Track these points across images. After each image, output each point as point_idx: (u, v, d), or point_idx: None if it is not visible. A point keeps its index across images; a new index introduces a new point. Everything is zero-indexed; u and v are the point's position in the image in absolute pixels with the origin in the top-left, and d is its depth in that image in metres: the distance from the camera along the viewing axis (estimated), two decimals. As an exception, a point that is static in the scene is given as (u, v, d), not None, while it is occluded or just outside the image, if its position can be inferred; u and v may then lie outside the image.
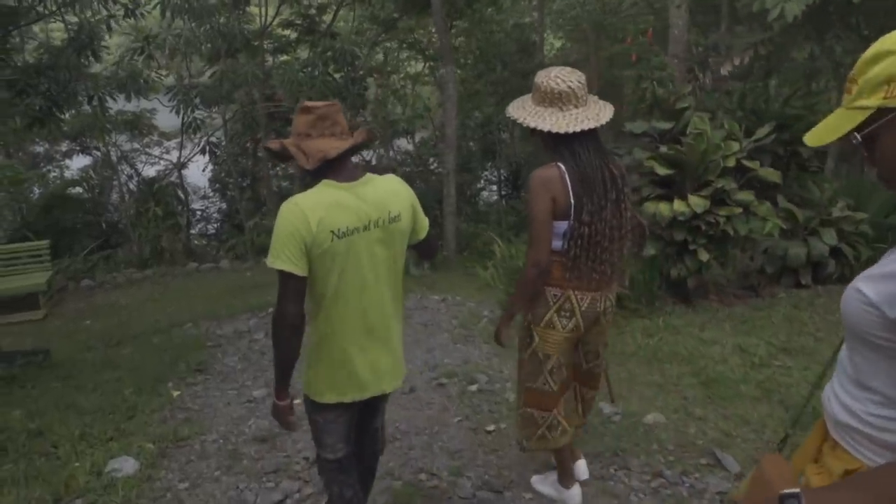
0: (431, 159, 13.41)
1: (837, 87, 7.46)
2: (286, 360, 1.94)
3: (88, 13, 6.95)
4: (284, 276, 1.86)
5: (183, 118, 9.78)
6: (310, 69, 9.30)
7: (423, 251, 2.28)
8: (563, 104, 2.32)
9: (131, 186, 12.03)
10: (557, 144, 2.33)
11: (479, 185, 14.04)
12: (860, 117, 1.11)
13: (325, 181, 1.93)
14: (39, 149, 12.84)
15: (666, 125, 5.25)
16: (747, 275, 5.65)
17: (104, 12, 6.94)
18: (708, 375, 3.96)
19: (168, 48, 9.71)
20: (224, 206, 13.15)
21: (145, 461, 3.22)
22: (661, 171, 4.81)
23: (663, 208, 4.76)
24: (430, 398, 3.92)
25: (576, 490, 2.75)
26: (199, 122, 10.10)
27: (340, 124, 1.97)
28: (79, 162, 12.68)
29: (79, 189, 12.07)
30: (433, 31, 11.80)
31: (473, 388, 4.00)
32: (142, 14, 7.28)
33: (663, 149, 4.95)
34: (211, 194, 13.31)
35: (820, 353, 4.20)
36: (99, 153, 11.93)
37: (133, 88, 8.39)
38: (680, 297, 5.26)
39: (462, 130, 11.55)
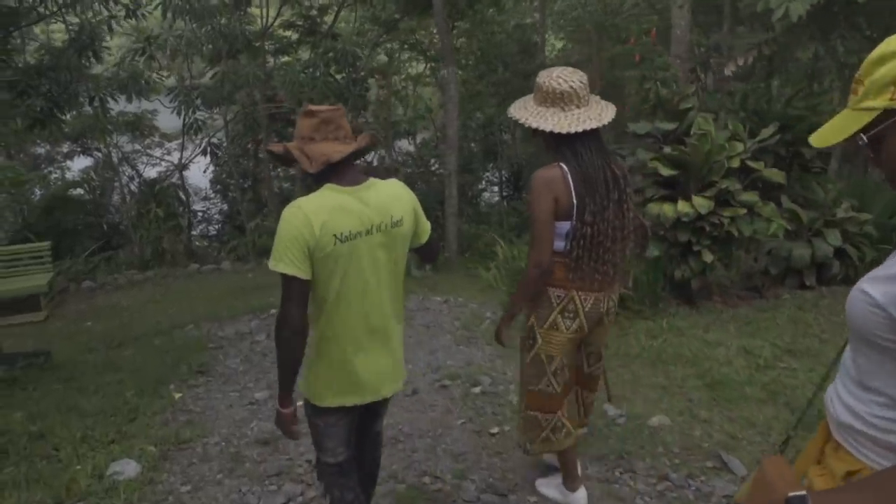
0: (433, 160, 13.40)
1: (842, 87, 7.44)
2: (290, 365, 1.92)
3: (89, 14, 6.94)
4: (288, 280, 1.85)
5: (184, 119, 9.78)
6: (311, 70, 9.30)
7: (424, 254, 2.28)
8: (565, 104, 2.31)
9: (132, 188, 12.02)
10: (559, 145, 2.32)
11: (480, 186, 14.02)
12: (866, 118, 1.11)
13: (328, 185, 1.92)
14: (41, 150, 12.84)
15: (669, 126, 5.23)
16: (751, 276, 5.62)
17: (105, 13, 6.93)
18: (713, 377, 3.93)
19: (169, 49, 9.70)
20: (225, 207, 13.14)
21: (147, 464, 3.20)
22: (665, 171, 4.79)
23: (667, 209, 4.74)
24: (433, 400, 3.90)
25: (581, 493, 2.73)
26: (200, 123, 10.10)
27: (344, 128, 1.98)
28: (80, 163, 12.68)
29: (80, 190, 12.06)
30: (434, 31, 11.79)
31: (477, 390, 3.98)
32: (143, 15, 7.26)
33: (667, 149, 4.93)
34: (212, 195, 13.31)
35: (825, 354, 4.17)
36: (100, 154, 11.92)
37: (134, 89, 8.38)
38: (684, 298, 5.24)
39: (463, 131, 11.54)
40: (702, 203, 4.64)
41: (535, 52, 12.89)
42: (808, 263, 5.31)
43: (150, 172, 12.55)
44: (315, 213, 1.84)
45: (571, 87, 2.30)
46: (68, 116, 8.15)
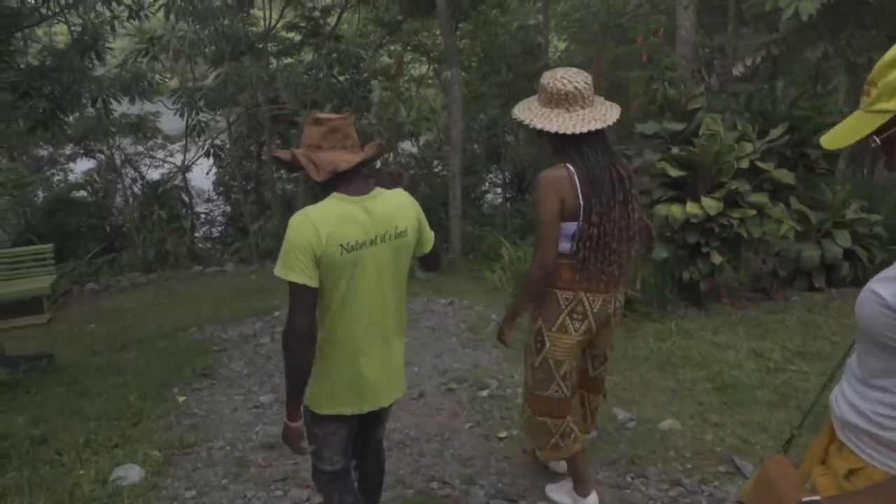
0: (436, 162, 13.37)
1: (851, 87, 7.40)
2: (300, 374, 1.90)
3: (92, 14, 6.91)
4: (296, 288, 1.85)
5: (187, 121, 9.76)
6: (314, 72, 9.26)
7: (427, 263, 2.28)
8: (569, 105, 2.31)
9: (135, 190, 11.99)
10: (565, 145, 2.32)
11: (483, 188, 13.99)
12: (879, 120, 1.12)
13: (334, 194, 1.93)
14: (43, 152, 12.82)
15: (677, 126, 5.18)
16: (759, 278, 5.57)
17: (108, 14, 6.91)
18: (723, 380, 3.88)
19: (172, 51, 9.68)
20: (228, 209, 13.12)
21: (151, 469, 3.16)
22: (674, 172, 4.74)
23: (675, 210, 4.69)
24: (439, 404, 3.86)
25: (593, 498, 2.68)
26: (203, 124, 10.08)
27: (351, 137, 1.98)
28: (83, 165, 12.66)
29: (83, 192, 12.03)
30: (437, 33, 11.76)
31: (484, 393, 3.93)
32: (146, 15, 7.24)
33: (675, 150, 4.88)
34: (215, 197, 13.28)
35: (836, 357, 4.12)
36: (103, 156, 11.91)
37: (137, 90, 8.36)
38: (692, 300, 5.19)
39: (467, 133, 11.52)
40: (711, 204, 4.59)
41: (538, 54, 12.87)
42: (817, 265, 5.25)
43: (153, 174, 12.53)
44: (322, 222, 1.85)
45: (576, 87, 2.30)
46: (71, 118, 8.12)
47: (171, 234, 10.40)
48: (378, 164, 11.64)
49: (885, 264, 1.24)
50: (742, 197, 4.72)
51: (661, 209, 4.78)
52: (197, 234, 12.27)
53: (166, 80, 10.79)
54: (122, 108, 9.44)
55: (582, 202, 2.26)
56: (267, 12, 10.65)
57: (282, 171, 12.00)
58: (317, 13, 11.83)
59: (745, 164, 4.74)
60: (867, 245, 5.36)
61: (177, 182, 11.99)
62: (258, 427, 3.66)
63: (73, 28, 7.28)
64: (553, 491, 2.82)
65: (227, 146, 12.28)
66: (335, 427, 2.08)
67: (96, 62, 7.22)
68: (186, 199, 12.00)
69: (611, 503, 2.77)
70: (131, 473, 3.06)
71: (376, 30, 12.18)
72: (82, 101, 7.37)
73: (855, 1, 5.20)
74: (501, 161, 12.90)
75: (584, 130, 2.26)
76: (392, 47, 12.77)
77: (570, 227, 2.30)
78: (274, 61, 11.66)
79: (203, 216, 13.00)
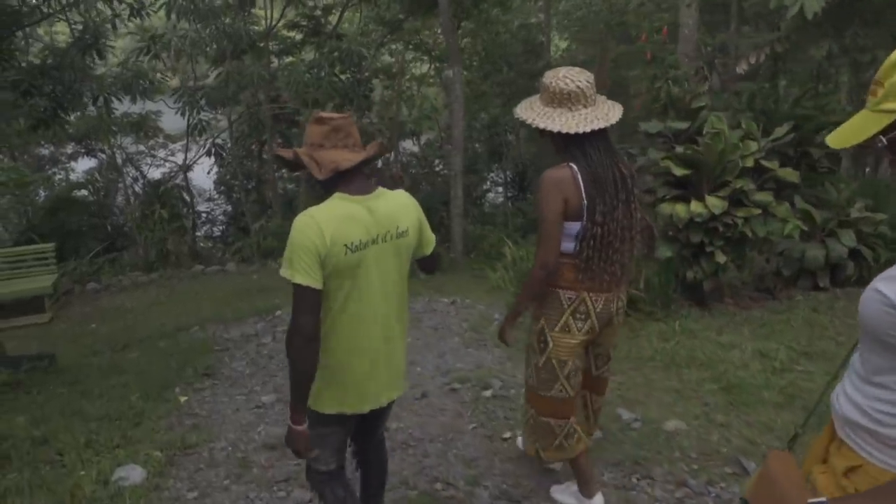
0: (437, 161, 13.35)
1: (858, 86, 7.36)
2: (304, 376, 1.88)
3: (93, 13, 6.89)
4: (301, 290, 1.83)
5: (188, 120, 9.74)
6: (316, 70, 9.25)
7: (426, 265, 2.26)
8: (572, 104, 2.30)
9: (137, 189, 11.98)
10: (568, 145, 2.31)
11: (485, 187, 13.97)
12: (886, 120, 1.12)
13: (337, 194, 1.92)
14: (45, 151, 12.82)
15: (681, 125, 5.16)
16: (763, 277, 5.55)
17: (109, 12, 6.89)
18: (728, 381, 3.86)
19: (173, 49, 9.67)
20: (229, 208, 13.11)
21: (153, 469, 3.13)
22: (678, 171, 4.71)
23: (680, 209, 4.66)
24: (442, 404, 3.83)
25: (598, 499, 2.66)
26: (204, 123, 10.07)
27: (354, 137, 1.98)
28: (84, 164, 12.65)
29: (84, 192, 12.03)
30: (439, 32, 11.73)
31: (487, 393, 3.91)
32: (147, 14, 7.22)
33: (679, 149, 4.85)
34: (216, 196, 13.27)
35: (842, 357, 4.03)
36: (104, 156, 11.90)
37: (138, 89, 8.35)
38: (695, 300, 5.16)
39: (468, 132, 11.49)
40: (715, 203, 4.56)
41: (540, 52, 12.85)
42: (821, 265, 5.22)
43: (155, 173, 12.52)
44: (326, 222, 1.84)
45: (578, 86, 2.29)
46: (72, 117, 8.11)
47: (172, 233, 10.40)
48: (379, 163, 11.63)
49: (890, 263, 1.25)
50: (747, 196, 4.69)
51: (666, 208, 4.75)
52: (198, 234, 12.26)
53: (167, 78, 10.77)
54: (124, 107, 9.43)
55: (585, 202, 2.25)
56: (268, 11, 10.64)
57: (283, 171, 12.00)
58: (318, 12, 11.81)
59: (749, 163, 4.71)
60: (872, 244, 5.33)
61: (178, 181, 11.98)
62: (260, 427, 3.64)
63: (74, 26, 7.26)
64: (558, 492, 2.80)
65: (229, 145, 12.27)
66: (335, 427, 2.07)
67: (98, 61, 7.20)
68: (188, 198, 12.00)
69: (616, 505, 2.75)
70: (133, 474, 3.04)
71: (378, 28, 12.15)
72: (83, 99, 7.37)
73: (858, -1, 5.18)
74: (503, 160, 12.88)
75: (587, 130, 2.26)
76: (393, 46, 12.75)
77: (574, 226, 2.29)
78: (275, 60, 11.65)
79: (204, 215, 13.00)
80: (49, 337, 6.41)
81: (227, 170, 12.65)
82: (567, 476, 2.85)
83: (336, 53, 9.40)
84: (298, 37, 11.92)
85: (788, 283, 5.47)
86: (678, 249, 4.93)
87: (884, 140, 1.13)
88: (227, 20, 9.56)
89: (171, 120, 11.41)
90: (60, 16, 7.13)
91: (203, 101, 9.86)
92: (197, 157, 12.14)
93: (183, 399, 4.11)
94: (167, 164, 12.71)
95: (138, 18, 7.02)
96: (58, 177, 12.54)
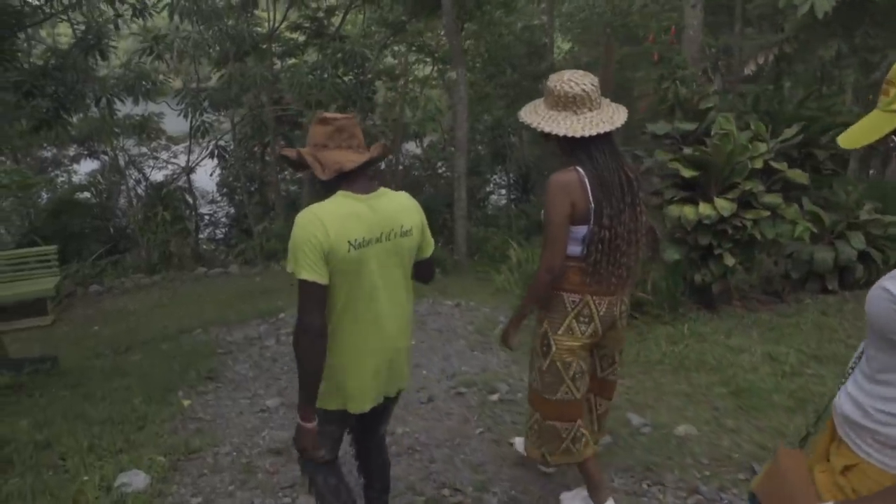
0: (440, 163, 13.32)
1: (868, 86, 7.30)
2: (312, 374, 1.86)
3: (96, 13, 6.87)
4: (307, 286, 1.82)
5: (191, 122, 9.72)
6: (318, 72, 9.23)
7: (422, 271, 2.23)
8: (577, 108, 2.29)
9: (139, 191, 11.98)
10: (574, 149, 2.30)
11: (488, 189, 13.95)
12: None
13: (340, 192, 1.92)
14: (47, 153, 12.83)
15: (689, 126, 5.11)
16: (771, 280, 5.50)
17: (112, 12, 6.86)
18: (738, 385, 3.81)
19: (176, 51, 9.66)
20: (232, 210, 13.10)
21: (156, 475, 3.08)
22: (686, 173, 4.66)
23: (688, 211, 4.61)
24: (448, 408, 3.79)
25: (610, 506, 2.61)
26: (207, 125, 10.05)
27: (357, 137, 1.99)
28: (87, 166, 12.66)
29: (87, 194, 12.03)
30: (442, 34, 11.71)
31: (494, 397, 3.86)
32: (150, 15, 7.20)
33: (687, 150, 4.81)
34: (219, 199, 13.28)
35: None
36: (107, 158, 11.90)
37: (141, 91, 8.33)
38: (703, 302, 5.11)
39: (471, 134, 11.47)
40: (724, 205, 4.52)
41: (543, 54, 12.82)
42: (830, 267, 5.17)
43: (157, 176, 12.53)
44: (329, 218, 1.84)
45: (583, 90, 2.28)
46: (74, 118, 8.09)
47: (174, 235, 10.38)
48: (383, 165, 11.61)
49: (900, 265, 1.26)
50: (755, 198, 4.64)
51: (674, 210, 4.70)
52: (201, 236, 12.26)
53: (170, 80, 10.75)
54: (126, 108, 9.41)
55: (593, 205, 2.25)
56: (271, 13, 10.63)
57: (286, 173, 11.99)
58: (321, 13, 11.80)
59: (758, 165, 4.66)
60: (881, 247, 5.27)
61: (181, 183, 11.97)
62: (265, 432, 3.59)
63: (76, 27, 7.24)
64: (568, 499, 2.75)
65: (231, 147, 12.25)
66: (335, 425, 2.08)
67: (100, 62, 7.19)
68: (190, 200, 11.99)
69: (628, 511, 2.70)
70: (136, 480, 2.99)
71: (381, 30, 12.13)
72: (86, 101, 7.35)
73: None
74: (506, 162, 12.85)
75: (593, 133, 2.25)
76: (396, 48, 12.73)
77: (581, 230, 2.29)
78: (278, 62, 11.64)
79: (207, 217, 13.00)
80: (51, 339, 6.39)
81: (230, 172, 12.64)
82: (577, 482, 2.81)
83: (339, 55, 9.38)
84: (301, 38, 11.91)
85: (797, 285, 5.42)
86: (686, 252, 4.88)
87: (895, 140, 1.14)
88: (230, 22, 9.55)
89: (174, 122, 11.39)
90: (62, 16, 7.10)
91: (206, 103, 9.84)
92: (200, 159, 12.13)
93: (186, 403, 4.06)
94: (170, 166, 12.71)
95: (141, 19, 7.00)
96: (60, 179, 12.56)
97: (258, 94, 10.77)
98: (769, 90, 6.41)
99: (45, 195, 11.76)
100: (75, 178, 12.67)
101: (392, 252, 1.97)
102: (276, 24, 10.80)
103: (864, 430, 1.21)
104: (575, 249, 2.32)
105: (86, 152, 12.24)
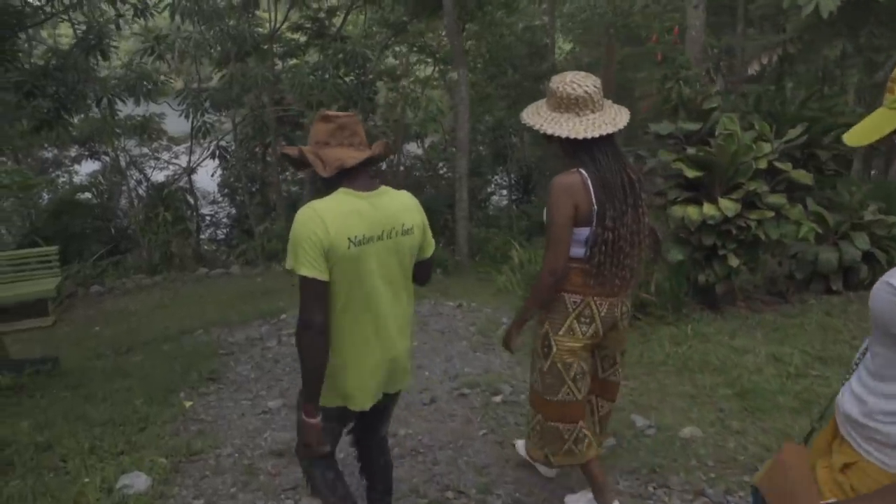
0: (441, 164, 13.31)
1: (872, 86, 7.27)
2: (316, 370, 1.86)
3: (97, 13, 6.86)
4: (307, 282, 1.81)
5: (192, 122, 9.71)
6: (320, 73, 9.22)
7: (419, 274, 2.20)
8: (579, 109, 2.29)
9: (140, 191, 11.97)
10: (576, 150, 2.30)
11: (489, 190, 13.93)
12: None
13: (342, 189, 1.91)
14: (48, 154, 12.82)
15: (693, 126, 5.09)
16: (775, 281, 5.48)
17: (113, 12, 6.85)
18: (743, 386, 3.78)
19: (177, 51, 9.66)
20: (233, 211, 13.10)
21: (158, 477, 3.06)
22: (690, 173, 4.64)
23: (692, 212, 4.59)
24: (451, 409, 3.76)
25: (615, 509, 2.59)
26: (208, 126, 10.04)
27: (359, 135, 1.98)
28: (88, 167, 12.66)
29: (88, 194, 12.02)
30: (443, 34, 11.70)
31: (497, 398, 3.84)
32: (151, 15, 7.18)
33: (691, 150, 4.78)
34: (220, 199, 13.27)
35: (858, 362, 4.02)
36: (108, 158, 11.90)
37: (142, 91, 8.32)
38: (707, 303, 5.09)
39: (473, 134, 11.45)
40: (728, 205, 4.49)
41: (544, 55, 12.81)
42: (835, 268, 5.15)
43: (158, 176, 12.52)
44: (329, 215, 1.83)
45: (586, 91, 2.27)
46: (75, 119, 8.08)
47: (176, 235, 10.37)
48: (384, 165, 11.59)
49: (904, 265, 1.25)
50: (760, 198, 4.61)
51: (677, 210, 4.67)
52: (202, 236, 12.25)
53: (171, 80, 10.75)
54: (127, 109, 9.40)
55: (596, 207, 2.24)
56: (272, 13, 10.62)
57: (287, 173, 11.97)
58: (322, 14, 11.79)
59: (763, 165, 4.64)
60: (886, 247, 5.25)
61: (182, 184, 11.96)
62: (267, 433, 3.57)
63: (77, 27, 7.23)
64: (573, 501, 2.73)
65: (233, 148, 12.25)
66: (335, 423, 2.08)
67: (101, 62, 7.17)
68: (191, 200, 11.97)
69: (633, 514, 2.68)
70: (137, 482, 2.97)
71: (382, 31, 12.13)
72: (87, 101, 7.34)
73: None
74: (507, 162, 12.84)
75: (595, 135, 2.24)
76: (398, 48, 12.72)
77: (584, 232, 2.28)
78: (279, 62, 11.63)
79: (208, 218, 12.99)
80: (52, 340, 6.37)
81: (231, 172, 12.63)
82: (581, 484, 2.78)
83: (340, 55, 9.37)
84: (302, 39, 11.90)
85: (801, 286, 5.40)
86: (690, 252, 4.86)
87: None
88: (232, 22, 9.54)
89: (175, 122, 11.39)
90: (63, 16, 7.09)
91: (207, 104, 9.83)
92: (201, 159, 12.12)
93: (188, 404, 4.04)
94: (171, 167, 12.71)
95: (142, 19, 6.98)
96: (61, 179, 12.55)
97: (259, 94, 10.77)
98: (771, 91, 6.39)
99: (46, 196, 11.76)
100: (76, 179, 12.67)
101: (393, 250, 1.96)
102: (278, 25, 10.79)
103: (865, 428, 1.21)
104: (578, 251, 2.31)
105: (87, 153, 12.24)
